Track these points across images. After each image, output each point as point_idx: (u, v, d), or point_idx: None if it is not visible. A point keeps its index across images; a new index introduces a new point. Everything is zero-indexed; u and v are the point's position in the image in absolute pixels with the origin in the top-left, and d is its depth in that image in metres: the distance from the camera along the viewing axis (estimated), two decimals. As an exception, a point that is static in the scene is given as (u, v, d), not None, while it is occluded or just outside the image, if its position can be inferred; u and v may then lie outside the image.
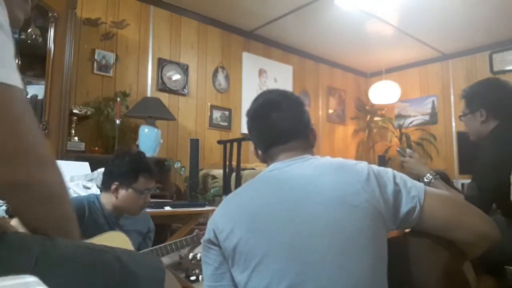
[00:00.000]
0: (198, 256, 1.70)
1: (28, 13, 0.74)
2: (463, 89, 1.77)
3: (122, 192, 1.64)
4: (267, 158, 1.01)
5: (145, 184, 1.66)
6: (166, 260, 1.78)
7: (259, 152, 1.02)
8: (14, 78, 0.57)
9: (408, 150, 1.82)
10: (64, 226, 0.65)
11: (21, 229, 0.63)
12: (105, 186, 1.70)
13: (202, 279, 0.95)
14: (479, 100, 1.66)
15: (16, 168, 0.56)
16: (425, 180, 1.68)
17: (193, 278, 1.64)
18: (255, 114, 1.01)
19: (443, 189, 1.63)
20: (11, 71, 0.57)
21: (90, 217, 1.61)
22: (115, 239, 1.54)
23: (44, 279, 0.48)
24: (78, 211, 1.60)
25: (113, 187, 1.65)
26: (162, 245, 1.82)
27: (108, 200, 1.67)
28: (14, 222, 1.51)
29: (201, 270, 1.46)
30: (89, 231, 1.51)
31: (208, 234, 0.91)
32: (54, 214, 0.62)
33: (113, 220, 1.69)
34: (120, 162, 1.66)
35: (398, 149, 1.93)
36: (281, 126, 0.97)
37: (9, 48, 0.58)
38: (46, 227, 0.62)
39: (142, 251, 1.73)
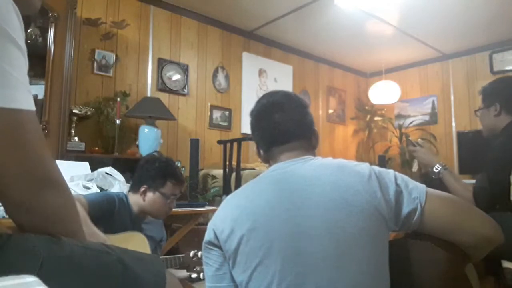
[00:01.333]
0: (199, 253, 1.70)
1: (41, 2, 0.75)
2: (482, 86, 1.80)
3: (150, 195, 1.74)
4: (269, 158, 1.02)
5: (172, 189, 1.76)
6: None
7: (261, 152, 1.03)
8: (27, 101, 0.58)
9: (419, 140, 1.81)
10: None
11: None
12: (134, 188, 1.79)
13: (203, 277, 0.95)
14: (495, 95, 1.69)
15: (30, 193, 0.58)
16: (435, 170, 1.66)
17: (194, 275, 1.64)
18: (258, 114, 1.02)
19: (452, 180, 1.61)
20: (25, 93, 0.58)
21: (119, 214, 1.69)
22: (135, 239, 1.62)
23: (49, 282, 0.49)
24: (109, 204, 1.64)
25: (142, 189, 1.74)
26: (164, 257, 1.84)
27: (135, 201, 1.76)
28: None
29: (202, 268, 1.46)
30: (116, 226, 1.60)
31: (208, 236, 0.91)
32: (62, 233, 0.63)
33: (137, 221, 1.77)
34: (150, 166, 1.77)
35: (409, 137, 1.92)
36: (283, 126, 0.97)
37: (25, 67, 0.59)
38: None
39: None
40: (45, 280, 0.48)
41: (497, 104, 1.65)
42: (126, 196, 1.78)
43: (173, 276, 0.68)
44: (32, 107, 0.59)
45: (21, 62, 0.59)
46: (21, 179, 0.57)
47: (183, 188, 1.84)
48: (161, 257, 1.84)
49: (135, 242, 1.60)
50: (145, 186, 1.74)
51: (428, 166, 1.69)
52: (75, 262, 0.59)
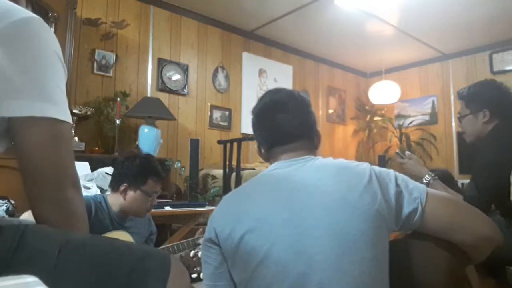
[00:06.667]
0: (199, 253, 1.70)
1: None
2: (460, 91, 1.76)
3: (130, 194, 1.68)
4: (270, 157, 1.01)
5: (153, 187, 1.70)
6: None
7: (262, 150, 1.02)
8: (68, 114, 0.69)
9: (407, 152, 1.83)
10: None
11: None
12: (113, 187, 1.73)
13: (203, 278, 0.95)
14: (482, 100, 1.65)
15: (59, 189, 0.68)
16: (424, 181, 1.68)
17: (194, 276, 1.64)
18: (260, 113, 1.00)
19: (442, 190, 1.62)
20: (67, 107, 0.69)
21: (96, 217, 1.64)
22: (119, 237, 1.55)
23: (66, 266, 0.57)
24: None
25: (122, 188, 1.68)
26: (164, 246, 1.82)
27: (115, 201, 1.71)
28: (26, 215, 1.49)
29: (202, 268, 1.46)
30: (95, 231, 1.54)
31: (209, 233, 0.91)
32: (75, 227, 0.71)
33: (118, 221, 1.72)
34: (130, 164, 1.70)
35: (396, 151, 1.94)
36: (285, 126, 0.96)
37: (65, 80, 0.71)
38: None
39: None
40: (63, 265, 0.57)
41: (486, 110, 1.62)
42: (104, 198, 1.73)
43: (178, 262, 0.69)
44: (70, 119, 0.70)
45: (64, 77, 0.71)
46: (56, 179, 0.68)
47: (164, 183, 1.78)
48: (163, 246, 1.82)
49: None
50: (125, 184, 1.67)
51: (417, 178, 1.70)
52: (88, 247, 0.64)
